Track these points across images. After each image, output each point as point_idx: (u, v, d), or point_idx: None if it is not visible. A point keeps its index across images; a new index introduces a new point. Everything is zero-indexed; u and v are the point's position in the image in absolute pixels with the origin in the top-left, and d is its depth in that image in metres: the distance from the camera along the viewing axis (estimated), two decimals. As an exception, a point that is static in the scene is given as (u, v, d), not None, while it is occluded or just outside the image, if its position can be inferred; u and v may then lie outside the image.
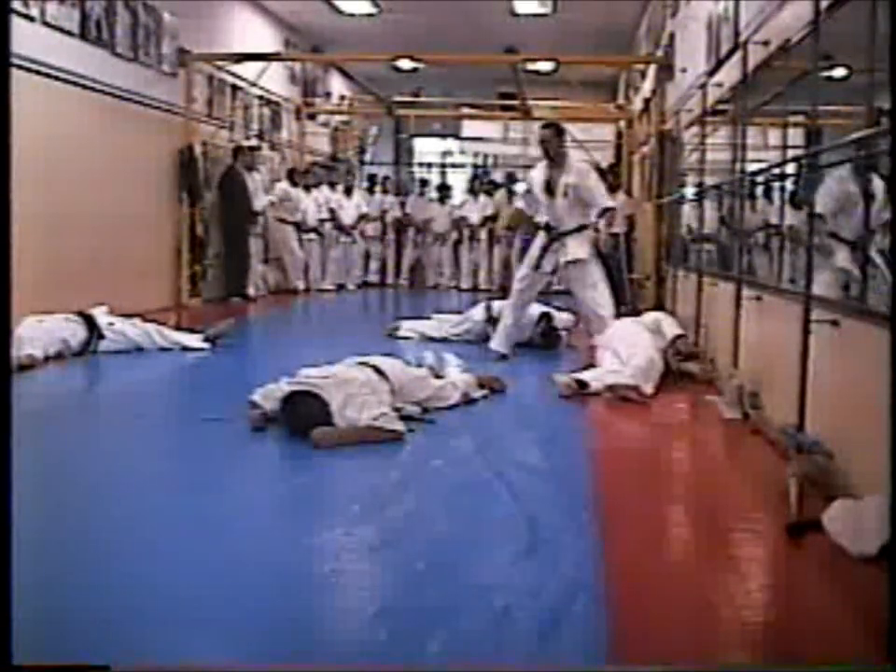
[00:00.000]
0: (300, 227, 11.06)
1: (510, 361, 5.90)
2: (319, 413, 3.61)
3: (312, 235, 11.48)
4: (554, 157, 5.99)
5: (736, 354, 4.61)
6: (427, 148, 17.00)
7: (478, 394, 4.50)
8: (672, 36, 8.33)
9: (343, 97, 14.73)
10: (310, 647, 1.95)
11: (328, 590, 2.28)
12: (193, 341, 6.05)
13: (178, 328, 6.48)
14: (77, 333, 5.58)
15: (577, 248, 5.97)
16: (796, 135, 4.78)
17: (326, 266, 11.92)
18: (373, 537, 2.62)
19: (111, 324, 5.80)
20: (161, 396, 4.99)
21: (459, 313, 7.14)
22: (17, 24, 6.04)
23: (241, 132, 10.50)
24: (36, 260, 6.11)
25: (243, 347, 7.06)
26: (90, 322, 5.68)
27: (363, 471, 3.33)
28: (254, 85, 10.49)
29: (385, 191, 13.12)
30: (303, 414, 3.64)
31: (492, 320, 6.62)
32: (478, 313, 6.85)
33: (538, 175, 6.10)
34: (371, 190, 13.06)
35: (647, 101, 9.95)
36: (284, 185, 10.79)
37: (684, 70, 7.45)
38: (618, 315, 6.01)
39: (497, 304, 6.76)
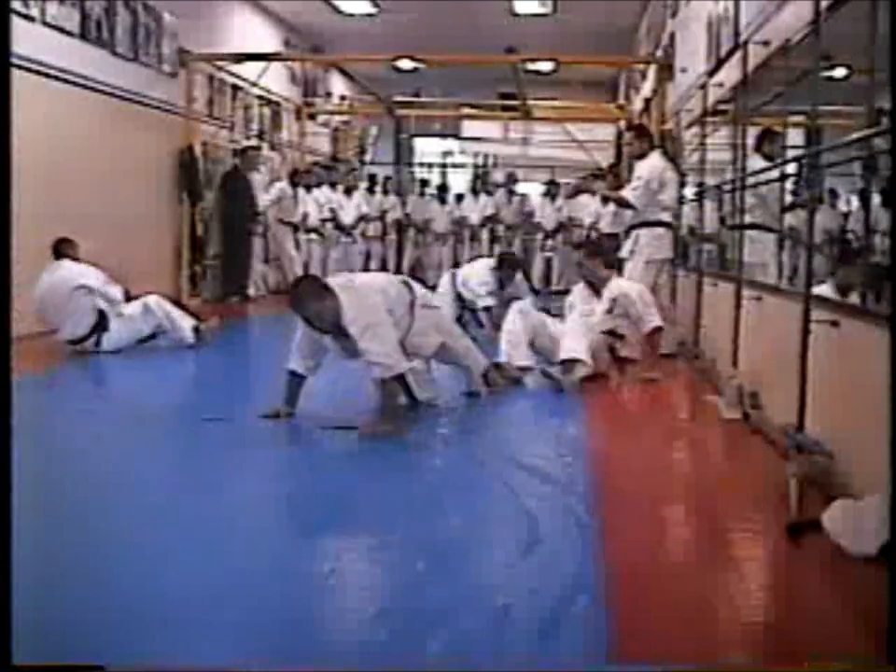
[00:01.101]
0: (297, 227, 11.05)
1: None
2: (323, 297, 3.71)
3: (313, 235, 11.48)
4: (638, 156, 6.21)
5: (736, 354, 4.61)
6: (427, 149, 16.99)
7: (480, 386, 4.52)
8: (672, 36, 8.33)
9: (343, 97, 14.73)
10: (310, 647, 1.95)
11: (328, 590, 2.28)
12: (186, 324, 6.06)
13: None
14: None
15: (626, 245, 6.10)
16: (796, 135, 4.79)
17: (326, 266, 11.91)
18: (373, 537, 2.62)
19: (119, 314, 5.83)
20: (160, 396, 4.99)
21: None
22: (17, 24, 6.04)
23: (241, 132, 10.50)
24: (36, 260, 6.10)
25: (241, 347, 7.07)
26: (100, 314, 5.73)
27: (363, 471, 3.33)
28: (254, 85, 10.49)
29: (385, 192, 13.12)
30: (306, 294, 3.75)
31: (461, 299, 6.70)
32: (442, 285, 6.82)
33: None
34: (371, 191, 13.05)
35: (647, 101, 9.95)
36: (281, 185, 10.78)
37: (684, 70, 7.45)
38: None
39: (461, 278, 6.72)
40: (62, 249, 5.87)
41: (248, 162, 9.78)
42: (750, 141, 5.03)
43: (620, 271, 6.35)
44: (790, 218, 4.60)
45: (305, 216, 11.21)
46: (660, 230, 6.05)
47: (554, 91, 13.62)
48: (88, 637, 1.93)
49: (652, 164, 6.11)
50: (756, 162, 4.86)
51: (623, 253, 6.13)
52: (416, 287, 4.24)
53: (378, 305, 3.85)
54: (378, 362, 3.71)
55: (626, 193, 6.09)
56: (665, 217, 6.09)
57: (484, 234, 12.61)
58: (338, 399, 4.71)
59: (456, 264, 12.81)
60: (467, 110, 14.56)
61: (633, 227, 6.10)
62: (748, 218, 4.82)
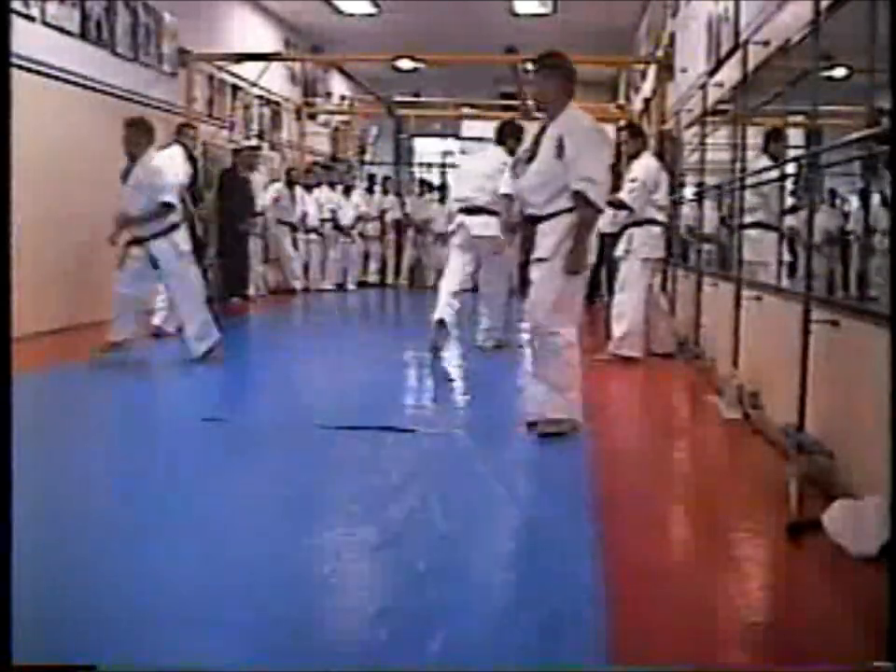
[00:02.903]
0: (296, 227, 11.04)
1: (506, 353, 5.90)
2: (565, 75, 3.80)
3: (312, 235, 11.47)
4: (632, 156, 6.28)
5: (736, 354, 4.61)
6: (427, 149, 16.99)
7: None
8: (672, 36, 8.33)
9: (343, 97, 14.73)
10: (310, 647, 1.95)
11: (328, 590, 2.28)
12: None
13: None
14: None
15: (620, 244, 6.17)
16: (796, 135, 4.80)
17: (325, 266, 11.92)
18: (373, 537, 2.62)
19: None
20: (160, 395, 4.99)
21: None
22: (17, 24, 6.03)
23: (241, 132, 10.49)
24: (36, 260, 6.11)
25: (241, 347, 7.07)
26: None
27: (363, 471, 3.33)
28: (254, 85, 10.49)
29: (385, 191, 13.11)
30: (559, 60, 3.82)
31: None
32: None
33: None
34: (370, 190, 13.05)
35: (647, 101, 9.95)
36: (278, 185, 10.77)
37: (684, 70, 7.45)
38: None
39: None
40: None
41: (244, 162, 9.76)
42: (750, 141, 5.03)
43: (616, 271, 6.36)
44: (790, 219, 4.61)
45: (305, 215, 11.21)
46: (655, 229, 6.06)
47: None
48: (88, 636, 1.94)
49: (647, 165, 6.14)
50: (763, 162, 4.88)
51: (618, 252, 6.13)
52: None
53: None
54: (589, 177, 3.58)
55: (624, 196, 6.11)
56: (660, 216, 6.10)
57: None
58: (339, 400, 4.72)
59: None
60: (467, 110, 14.55)
61: (627, 226, 6.11)
62: (751, 218, 4.83)
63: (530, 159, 3.76)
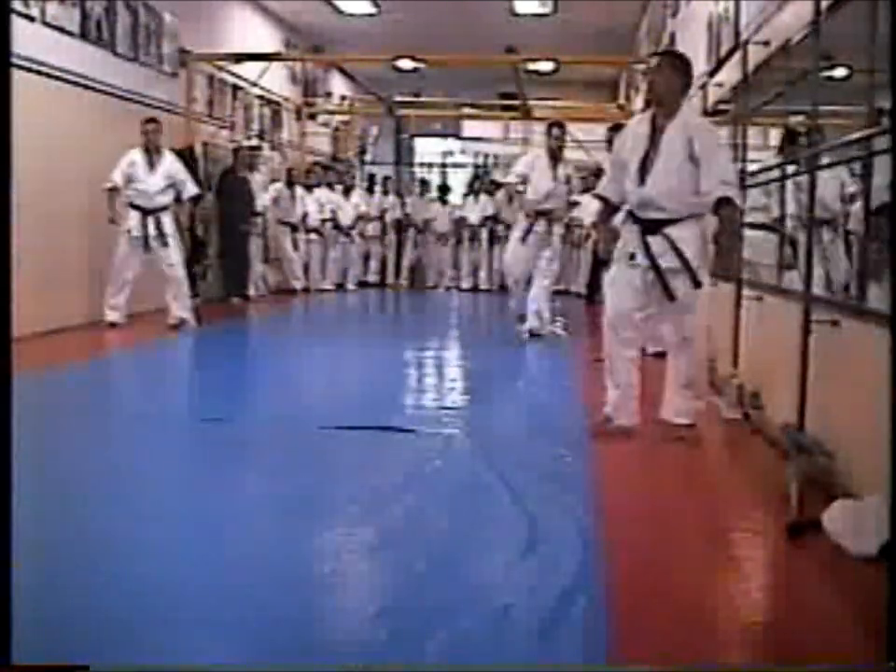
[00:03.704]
0: (296, 227, 11.03)
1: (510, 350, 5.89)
2: (685, 73, 3.84)
3: (313, 235, 11.47)
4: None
5: (736, 354, 4.61)
6: (427, 148, 17.00)
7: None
8: (672, 36, 8.33)
9: (343, 97, 14.72)
10: (310, 647, 1.95)
11: (328, 590, 2.28)
12: None
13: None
14: None
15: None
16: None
17: (325, 266, 11.92)
18: (373, 537, 2.62)
19: None
20: (160, 395, 4.99)
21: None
22: (17, 24, 6.03)
23: (241, 132, 10.49)
24: (36, 261, 6.10)
25: (241, 347, 7.07)
26: None
27: (363, 471, 3.33)
28: (254, 85, 10.48)
29: (385, 191, 13.12)
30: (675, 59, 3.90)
31: None
32: None
33: None
34: (370, 190, 13.05)
35: (647, 101, 9.94)
36: (278, 185, 10.76)
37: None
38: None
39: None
40: None
41: (241, 162, 9.75)
42: (751, 141, 5.02)
43: None
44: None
45: (305, 215, 11.21)
46: None
47: (554, 91, 13.61)
48: (88, 637, 1.93)
49: None
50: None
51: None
52: None
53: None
54: (728, 180, 3.57)
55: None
56: None
57: (484, 234, 12.60)
58: (339, 400, 4.72)
59: (456, 264, 12.88)
60: (467, 110, 14.55)
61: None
62: (761, 218, 4.81)
63: (645, 160, 3.69)
